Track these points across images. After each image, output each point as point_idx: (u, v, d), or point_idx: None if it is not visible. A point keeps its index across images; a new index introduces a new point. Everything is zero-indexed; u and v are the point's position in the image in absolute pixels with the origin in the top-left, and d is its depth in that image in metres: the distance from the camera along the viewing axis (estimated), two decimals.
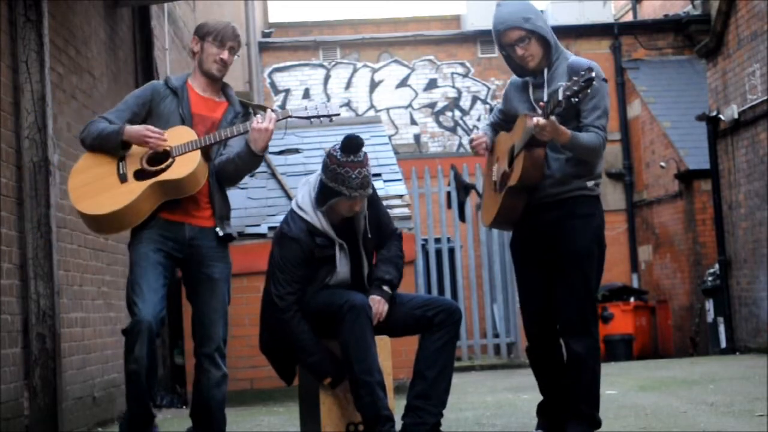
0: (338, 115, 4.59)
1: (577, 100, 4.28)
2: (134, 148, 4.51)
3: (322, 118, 4.56)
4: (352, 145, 4.55)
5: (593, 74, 4.24)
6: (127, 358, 4.41)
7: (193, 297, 4.65)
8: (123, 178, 4.47)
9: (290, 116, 4.56)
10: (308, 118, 4.55)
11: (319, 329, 4.57)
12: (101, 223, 4.58)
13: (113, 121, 4.56)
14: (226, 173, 4.63)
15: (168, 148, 4.47)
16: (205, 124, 4.62)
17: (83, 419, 6.64)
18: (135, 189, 4.42)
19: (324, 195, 4.59)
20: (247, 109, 4.75)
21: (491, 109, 16.05)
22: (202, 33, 4.66)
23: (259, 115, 4.53)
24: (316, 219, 4.60)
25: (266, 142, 4.51)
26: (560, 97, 4.28)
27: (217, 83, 4.70)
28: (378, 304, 4.61)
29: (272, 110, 4.55)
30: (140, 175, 4.47)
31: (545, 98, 4.54)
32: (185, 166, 4.42)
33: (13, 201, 5.84)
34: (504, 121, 4.88)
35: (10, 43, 5.90)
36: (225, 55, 4.60)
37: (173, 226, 4.53)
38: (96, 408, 6.97)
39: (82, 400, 6.69)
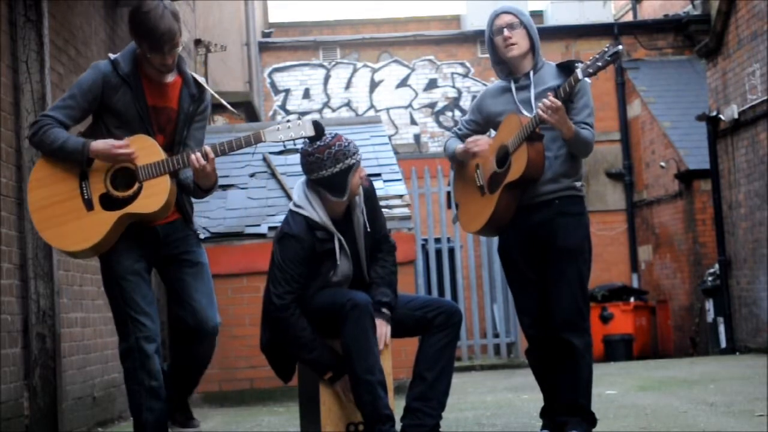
0: (313, 136, 4.42)
1: (596, 77, 4.45)
2: (96, 162, 4.26)
3: (296, 141, 4.39)
4: (320, 129, 4.54)
5: (620, 47, 4.39)
6: (141, 376, 4.30)
7: (179, 285, 4.45)
8: (89, 205, 4.25)
9: (263, 141, 4.36)
10: (281, 142, 4.37)
11: (321, 328, 4.57)
12: (70, 253, 4.47)
13: (64, 122, 4.27)
14: (189, 192, 4.50)
15: (133, 167, 4.24)
16: (160, 117, 4.37)
17: (83, 419, 6.64)
18: (104, 221, 4.23)
19: (338, 184, 4.56)
20: (201, 89, 4.46)
21: None
22: (137, 37, 4.26)
23: (194, 156, 4.25)
24: (315, 213, 4.60)
25: (213, 178, 4.35)
26: (580, 76, 4.40)
27: None
28: (381, 327, 4.59)
29: (247, 135, 4.24)
30: (107, 201, 4.25)
31: (533, 99, 4.63)
32: (156, 196, 4.22)
33: (13, 201, 5.85)
34: (475, 131, 4.93)
35: (10, 43, 5.91)
36: (167, 60, 4.25)
37: (146, 231, 4.36)
38: (96, 408, 6.98)
39: (82, 400, 6.69)
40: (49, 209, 4.29)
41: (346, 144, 4.59)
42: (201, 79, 4.52)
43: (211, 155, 4.28)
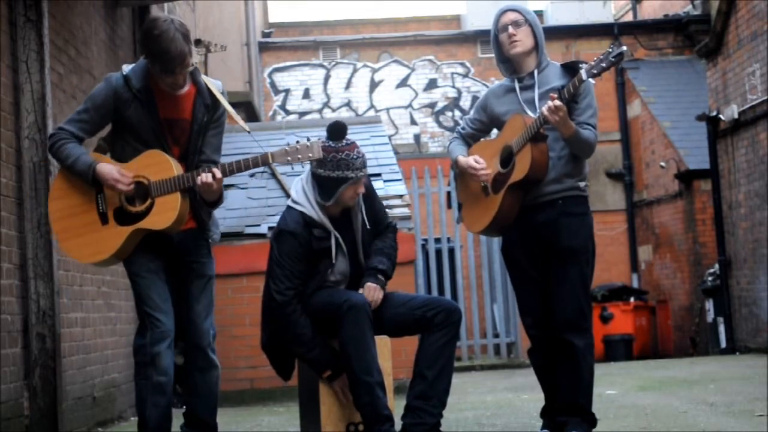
0: (320, 159, 4.45)
1: (599, 78, 4.44)
2: None
3: (303, 162, 4.43)
4: (340, 128, 4.58)
5: (624, 48, 4.42)
6: (149, 371, 4.38)
7: (183, 293, 4.55)
8: (104, 219, 4.37)
9: (270, 163, 4.41)
10: (288, 163, 4.39)
11: (319, 329, 4.58)
12: (87, 263, 4.66)
13: (78, 135, 4.38)
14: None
15: (146, 182, 4.32)
16: (174, 130, 4.41)
17: (83, 419, 6.64)
18: (118, 235, 4.35)
19: (329, 188, 4.58)
20: (216, 103, 4.46)
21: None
22: (148, 57, 4.29)
23: (203, 174, 4.29)
24: (312, 210, 4.61)
25: (217, 194, 4.40)
26: (584, 77, 4.40)
27: None
28: (373, 291, 4.61)
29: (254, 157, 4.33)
30: (121, 215, 4.36)
31: (536, 99, 4.63)
32: (167, 213, 4.31)
33: (13, 201, 5.85)
34: (480, 131, 4.95)
35: (10, 43, 5.91)
36: (178, 80, 4.31)
37: (161, 236, 4.43)
38: (96, 408, 6.98)
39: (82, 400, 6.69)
40: (67, 221, 4.43)
41: (355, 157, 4.58)
42: (215, 86, 4.49)
43: (219, 175, 4.33)
